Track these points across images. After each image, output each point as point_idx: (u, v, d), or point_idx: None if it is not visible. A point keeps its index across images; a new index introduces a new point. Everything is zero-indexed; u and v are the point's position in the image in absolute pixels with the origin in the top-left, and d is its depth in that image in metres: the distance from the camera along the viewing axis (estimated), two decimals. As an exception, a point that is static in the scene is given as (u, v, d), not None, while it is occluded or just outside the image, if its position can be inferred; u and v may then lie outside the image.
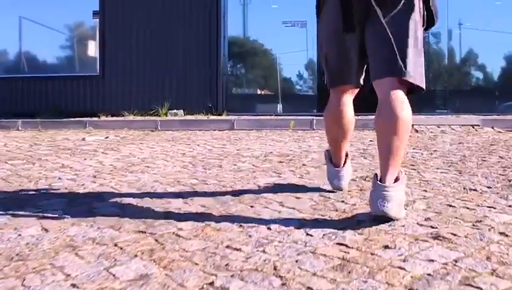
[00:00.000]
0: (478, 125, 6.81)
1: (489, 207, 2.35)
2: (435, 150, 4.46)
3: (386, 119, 2.10)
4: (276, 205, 2.45)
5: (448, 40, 10.52)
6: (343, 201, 2.50)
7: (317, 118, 7.48)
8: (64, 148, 5.22)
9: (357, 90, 2.50)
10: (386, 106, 2.09)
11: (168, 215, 2.28)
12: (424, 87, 2.18)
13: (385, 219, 2.02)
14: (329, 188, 2.74)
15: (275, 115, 8.48)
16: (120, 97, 9.58)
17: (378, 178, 2.05)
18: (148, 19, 9.46)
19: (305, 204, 2.46)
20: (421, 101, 10.19)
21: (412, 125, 6.55)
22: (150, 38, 9.45)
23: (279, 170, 3.51)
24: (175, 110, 9.09)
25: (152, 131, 7.48)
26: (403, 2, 2.11)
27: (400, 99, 2.08)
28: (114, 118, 8.52)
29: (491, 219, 2.14)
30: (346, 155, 2.71)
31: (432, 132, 6.46)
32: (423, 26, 2.20)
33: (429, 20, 2.23)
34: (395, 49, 2.07)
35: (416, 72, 2.11)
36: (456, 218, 2.16)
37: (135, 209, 2.42)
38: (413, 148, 4.59)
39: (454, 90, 10.77)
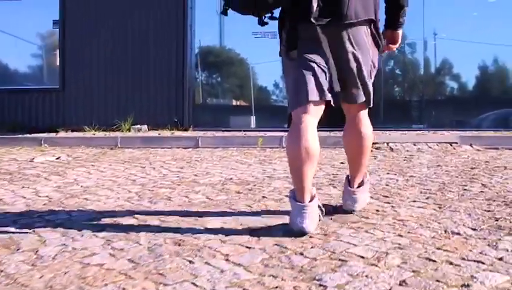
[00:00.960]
0: (456, 143, 6.46)
1: (477, 261, 1.94)
2: (411, 176, 4.06)
3: (353, 138, 2.60)
4: (220, 260, 2.01)
5: (424, 51, 10.34)
6: (301, 253, 2.07)
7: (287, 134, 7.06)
8: (5, 172, 4.72)
9: (321, 111, 2.42)
10: (354, 124, 2.56)
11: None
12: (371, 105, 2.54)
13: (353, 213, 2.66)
14: (290, 230, 2.32)
15: (244, 131, 8.05)
16: (81, 111, 9.08)
17: (349, 182, 2.70)
18: (111, 28, 8.97)
19: (255, 258, 2.02)
20: (398, 111, 10.07)
21: (387, 143, 6.21)
22: (113, 49, 8.97)
23: (234, 205, 3.06)
24: (138, 126, 8.62)
25: (111, 149, 6.99)
26: (362, 42, 2.37)
27: (364, 121, 2.56)
28: (73, 134, 8.00)
29: (480, 282, 1.73)
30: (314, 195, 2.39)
31: (407, 151, 6.09)
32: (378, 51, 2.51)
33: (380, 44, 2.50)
34: (360, 82, 2.42)
35: (371, 98, 2.49)
36: (438, 281, 1.74)
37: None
38: (388, 173, 4.19)
39: (430, 100, 10.44)
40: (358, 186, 2.70)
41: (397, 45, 2.63)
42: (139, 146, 7.08)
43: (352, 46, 2.34)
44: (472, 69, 10.50)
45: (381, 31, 2.50)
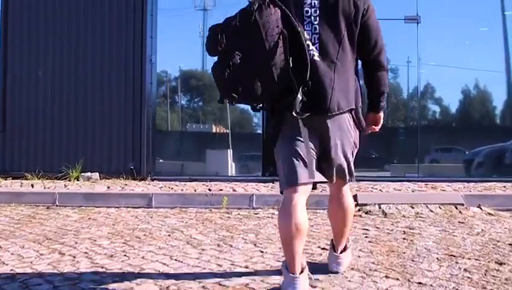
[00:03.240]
0: (462, 204, 5.35)
1: None
2: (420, 283, 2.89)
3: (337, 210, 2.86)
4: None
5: (408, 77, 9.91)
6: None
7: (258, 192, 5.93)
8: None
9: (309, 190, 2.60)
10: (337, 197, 2.81)
11: None
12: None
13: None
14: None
15: (210, 182, 6.87)
16: (24, 156, 7.82)
17: (334, 248, 3.01)
18: (59, 62, 7.78)
19: None
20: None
21: (379, 205, 5.07)
22: (61, 84, 7.76)
23: None
24: (89, 173, 7.40)
25: (47, 208, 5.79)
26: (344, 127, 2.55)
27: (346, 194, 2.81)
28: (6, 188, 6.72)
29: None
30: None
31: (404, 217, 4.96)
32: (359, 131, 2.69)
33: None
34: (344, 162, 2.61)
35: (353, 175, 2.69)
36: None
37: None
38: (387, 276, 3.01)
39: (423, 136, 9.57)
40: (342, 251, 3.01)
41: (379, 126, 2.81)
42: (80, 204, 5.88)
43: (336, 131, 2.52)
44: (455, 95, 10.53)
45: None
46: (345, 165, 2.61)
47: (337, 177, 2.64)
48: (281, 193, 2.59)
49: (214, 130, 12.12)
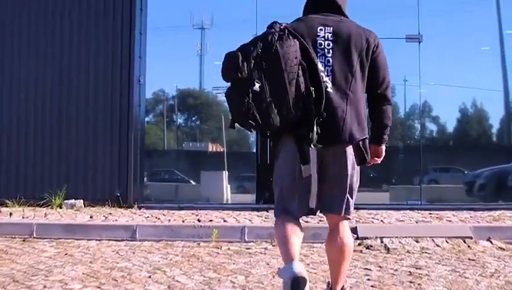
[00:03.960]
0: (470, 237, 4.95)
1: None
2: None
3: (336, 246, 2.61)
4: None
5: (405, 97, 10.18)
6: None
7: (250, 223, 5.53)
8: None
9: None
10: (336, 234, 2.59)
11: None
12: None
13: None
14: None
15: (199, 210, 6.47)
16: (4, 181, 7.39)
17: (330, 286, 2.75)
18: (40, 76, 7.39)
19: None
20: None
21: (381, 239, 4.67)
22: (43, 101, 7.35)
23: None
24: (72, 200, 6.99)
25: (23, 241, 5.36)
26: (348, 151, 2.52)
27: (346, 230, 2.62)
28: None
29: None
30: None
31: (409, 253, 4.56)
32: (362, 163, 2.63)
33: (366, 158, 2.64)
34: (342, 195, 2.53)
35: (352, 210, 2.61)
36: None
37: None
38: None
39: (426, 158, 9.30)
40: None
41: (381, 158, 2.76)
42: (59, 236, 5.45)
43: (342, 163, 2.51)
44: (463, 115, 10.75)
45: None
46: (346, 198, 2.56)
47: (337, 210, 2.57)
48: (275, 215, 2.63)
49: (210, 149, 12.03)
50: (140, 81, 7.34)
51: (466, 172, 10.52)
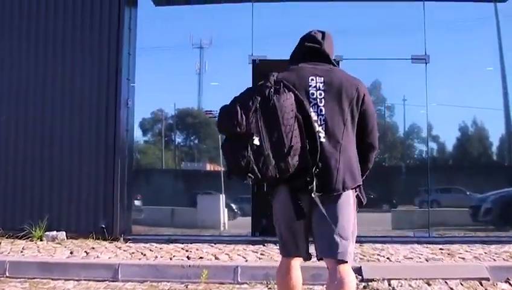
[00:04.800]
0: (487, 279, 4.47)
1: None
2: None
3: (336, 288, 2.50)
4: None
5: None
6: None
7: (244, 261, 5.06)
8: None
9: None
10: (334, 279, 2.48)
11: None
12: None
13: None
14: None
15: (192, 244, 5.98)
16: (-19, 211, 6.90)
17: None
18: (22, 99, 6.93)
19: None
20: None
21: (389, 281, 4.20)
22: (24, 126, 6.89)
23: None
24: (54, 232, 6.52)
25: (-6, 280, 4.87)
26: (342, 198, 2.51)
27: (346, 272, 2.48)
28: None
29: None
30: None
31: (420, 298, 4.07)
32: (359, 207, 2.67)
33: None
34: (338, 237, 2.48)
35: (351, 252, 2.54)
36: None
37: None
38: None
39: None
40: None
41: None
42: (34, 276, 4.97)
43: (336, 209, 2.50)
44: (463, 135, 10.42)
45: None
46: (345, 242, 2.52)
47: (337, 255, 2.51)
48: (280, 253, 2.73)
49: (208, 168, 11.88)
50: (128, 104, 6.90)
51: (468, 193, 10.02)
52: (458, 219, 9.09)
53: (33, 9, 7.00)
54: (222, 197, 9.75)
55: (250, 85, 2.99)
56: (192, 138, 11.71)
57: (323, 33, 2.73)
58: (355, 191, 2.61)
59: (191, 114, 11.06)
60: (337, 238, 2.49)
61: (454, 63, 9.05)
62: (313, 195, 2.41)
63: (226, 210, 9.68)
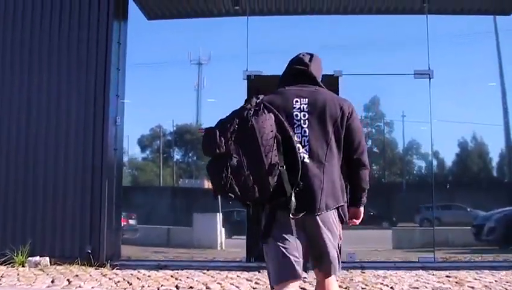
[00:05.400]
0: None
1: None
2: None
3: None
4: None
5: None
6: None
7: (237, 293, 4.70)
8: None
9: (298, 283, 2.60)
10: (323, 287, 2.64)
11: None
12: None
13: None
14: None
15: (176, 282, 5.61)
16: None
17: None
18: (6, 116, 6.60)
19: None
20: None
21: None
22: (7, 144, 6.55)
23: None
24: (37, 258, 6.20)
25: (-32, 313, 4.51)
26: (330, 223, 2.55)
27: (332, 283, 2.65)
28: None
29: None
30: None
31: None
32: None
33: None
34: (334, 256, 2.56)
35: (338, 264, 2.61)
36: None
37: None
38: None
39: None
40: None
41: (360, 220, 2.77)
42: (12, 307, 4.61)
43: (324, 228, 2.54)
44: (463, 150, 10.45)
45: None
46: (334, 257, 2.60)
47: (324, 269, 2.62)
48: (271, 288, 2.60)
49: (206, 186, 11.67)
50: (117, 122, 6.58)
51: (469, 209, 10.02)
52: (462, 238, 8.92)
53: (18, 20, 6.69)
54: (219, 216, 9.50)
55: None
56: (190, 154, 11.63)
57: (311, 55, 2.76)
58: (338, 212, 2.61)
59: (189, 131, 11.10)
60: (331, 255, 2.56)
61: (456, 77, 8.88)
62: (290, 215, 2.43)
63: (223, 230, 9.50)
